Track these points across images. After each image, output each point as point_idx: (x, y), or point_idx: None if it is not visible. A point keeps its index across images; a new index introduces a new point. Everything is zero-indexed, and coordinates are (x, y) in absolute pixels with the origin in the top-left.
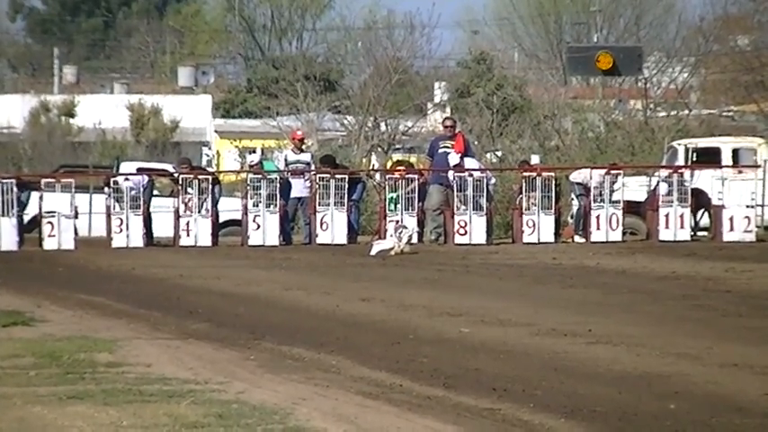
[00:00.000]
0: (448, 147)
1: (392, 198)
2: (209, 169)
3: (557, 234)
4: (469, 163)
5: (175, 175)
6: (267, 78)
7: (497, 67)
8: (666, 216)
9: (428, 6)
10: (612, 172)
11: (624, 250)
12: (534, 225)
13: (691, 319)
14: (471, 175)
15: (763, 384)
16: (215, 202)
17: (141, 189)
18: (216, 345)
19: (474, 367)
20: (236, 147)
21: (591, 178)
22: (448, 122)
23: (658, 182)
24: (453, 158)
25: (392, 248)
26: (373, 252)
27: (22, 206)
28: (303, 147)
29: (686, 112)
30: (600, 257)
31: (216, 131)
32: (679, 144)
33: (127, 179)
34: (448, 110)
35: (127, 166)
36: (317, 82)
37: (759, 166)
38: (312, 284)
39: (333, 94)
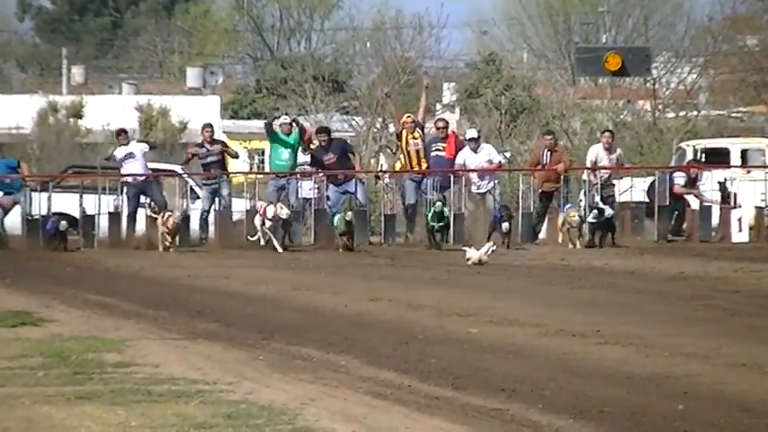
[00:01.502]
0: (440, 149)
1: (436, 212)
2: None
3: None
4: (489, 151)
5: (184, 176)
6: (275, 79)
7: (506, 68)
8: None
9: (437, 7)
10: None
11: (632, 251)
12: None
13: (699, 320)
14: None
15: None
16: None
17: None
18: (224, 345)
19: (482, 367)
20: (245, 148)
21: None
22: (440, 123)
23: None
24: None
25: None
26: (470, 263)
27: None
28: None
29: (695, 112)
30: (608, 258)
31: (224, 132)
32: (688, 145)
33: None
34: (457, 110)
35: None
36: (326, 82)
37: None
38: (320, 284)
39: (341, 94)
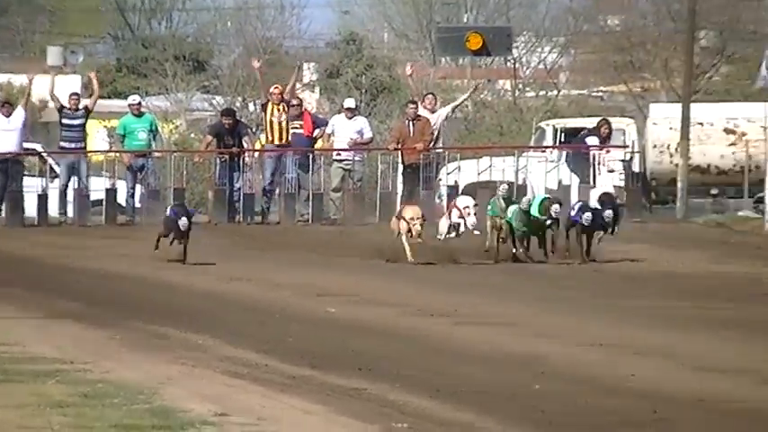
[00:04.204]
0: (297, 127)
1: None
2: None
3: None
4: (363, 123)
5: (44, 154)
6: (136, 58)
7: (367, 48)
8: None
9: None
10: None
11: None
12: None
13: (561, 300)
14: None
15: (627, 363)
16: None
17: None
18: (85, 324)
19: (341, 347)
20: (105, 127)
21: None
22: (295, 101)
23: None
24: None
25: None
26: None
27: None
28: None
29: (555, 92)
30: (472, 238)
31: None
32: (547, 124)
33: None
34: (317, 90)
35: None
36: (187, 62)
37: (627, 147)
38: (182, 264)
39: (202, 74)
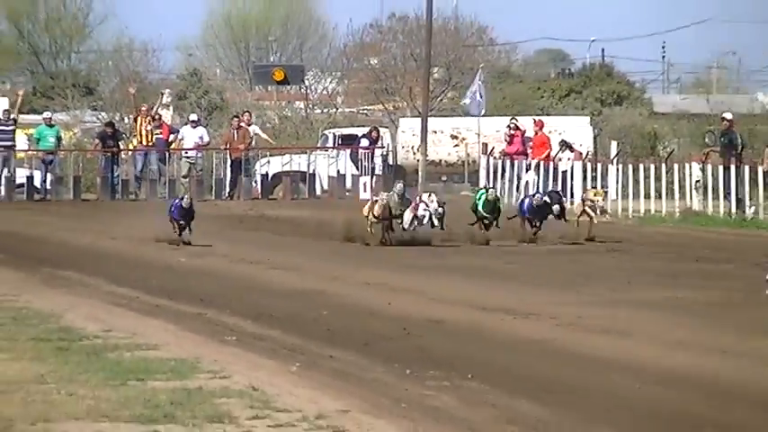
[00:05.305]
0: (158, 134)
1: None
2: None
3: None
4: (202, 132)
5: None
6: (46, 86)
7: (204, 79)
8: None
9: (157, 36)
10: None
11: (295, 205)
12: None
13: (343, 253)
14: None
15: (389, 296)
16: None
17: None
18: (10, 269)
19: (188, 285)
20: (25, 134)
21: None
22: (156, 116)
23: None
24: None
25: None
26: None
27: None
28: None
29: (335, 110)
30: (280, 210)
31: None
32: (329, 132)
33: None
34: (171, 108)
35: None
36: (81, 88)
37: (384, 148)
38: (79, 227)
39: (91, 96)
